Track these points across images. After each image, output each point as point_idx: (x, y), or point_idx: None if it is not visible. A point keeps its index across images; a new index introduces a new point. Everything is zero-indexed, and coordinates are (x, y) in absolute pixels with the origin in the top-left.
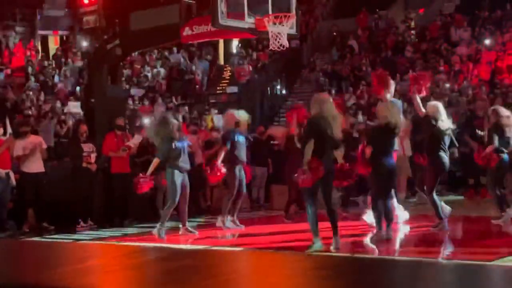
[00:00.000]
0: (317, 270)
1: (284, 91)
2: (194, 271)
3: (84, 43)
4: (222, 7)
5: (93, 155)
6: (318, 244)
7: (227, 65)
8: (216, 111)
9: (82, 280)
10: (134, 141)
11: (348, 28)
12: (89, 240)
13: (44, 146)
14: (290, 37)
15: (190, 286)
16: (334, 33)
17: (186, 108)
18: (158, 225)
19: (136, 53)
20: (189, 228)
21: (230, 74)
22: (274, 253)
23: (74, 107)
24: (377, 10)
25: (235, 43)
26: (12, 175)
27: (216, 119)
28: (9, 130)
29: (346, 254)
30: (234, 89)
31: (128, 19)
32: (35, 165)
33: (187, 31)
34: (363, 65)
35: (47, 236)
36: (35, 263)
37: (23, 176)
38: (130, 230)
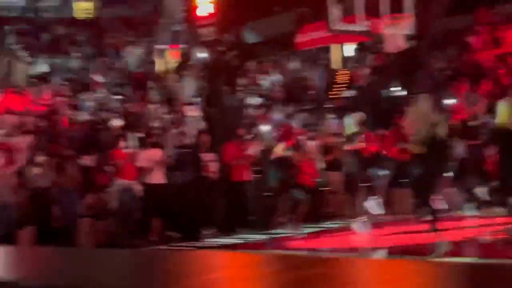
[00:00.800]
0: (452, 279)
1: (401, 93)
2: (325, 280)
3: (202, 55)
4: (336, 12)
5: (214, 164)
6: (445, 245)
7: (343, 69)
8: (333, 116)
9: None
10: (254, 150)
11: (465, 25)
12: (213, 247)
13: (165, 158)
14: (406, 38)
15: None
16: (451, 31)
17: (303, 114)
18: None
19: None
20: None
21: (346, 78)
22: (406, 260)
23: (192, 111)
24: (495, 5)
25: (350, 46)
26: (137, 186)
27: (333, 124)
28: (133, 143)
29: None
30: (350, 93)
31: (243, 29)
32: (157, 177)
33: (302, 38)
34: (482, 62)
35: (173, 245)
36: (165, 273)
37: (146, 187)
38: (252, 237)
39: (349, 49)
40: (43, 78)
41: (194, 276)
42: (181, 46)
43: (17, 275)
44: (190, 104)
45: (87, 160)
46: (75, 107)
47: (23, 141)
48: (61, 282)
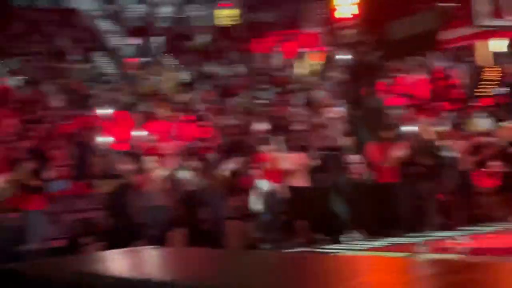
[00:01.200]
0: None
1: None
2: (479, 286)
3: (344, 57)
4: (482, 7)
5: (360, 166)
6: None
7: (493, 66)
8: (481, 114)
9: None
10: (398, 152)
11: None
12: (359, 250)
13: (308, 161)
14: None
15: None
16: None
17: (451, 113)
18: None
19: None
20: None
21: (494, 75)
22: None
23: (335, 113)
24: None
25: (497, 42)
26: (282, 189)
27: (482, 123)
28: (279, 145)
29: None
30: (501, 90)
31: (386, 29)
32: (301, 179)
33: (446, 35)
34: None
35: (320, 247)
36: (316, 277)
37: (291, 190)
38: (399, 240)
39: (496, 45)
40: (190, 85)
41: (335, 282)
42: (323, 48)
43: (172, 275)
44: (333, 106)
45: (233, 164)
46: (221, 112)
47: (173, 146)
48: (215, 283)
